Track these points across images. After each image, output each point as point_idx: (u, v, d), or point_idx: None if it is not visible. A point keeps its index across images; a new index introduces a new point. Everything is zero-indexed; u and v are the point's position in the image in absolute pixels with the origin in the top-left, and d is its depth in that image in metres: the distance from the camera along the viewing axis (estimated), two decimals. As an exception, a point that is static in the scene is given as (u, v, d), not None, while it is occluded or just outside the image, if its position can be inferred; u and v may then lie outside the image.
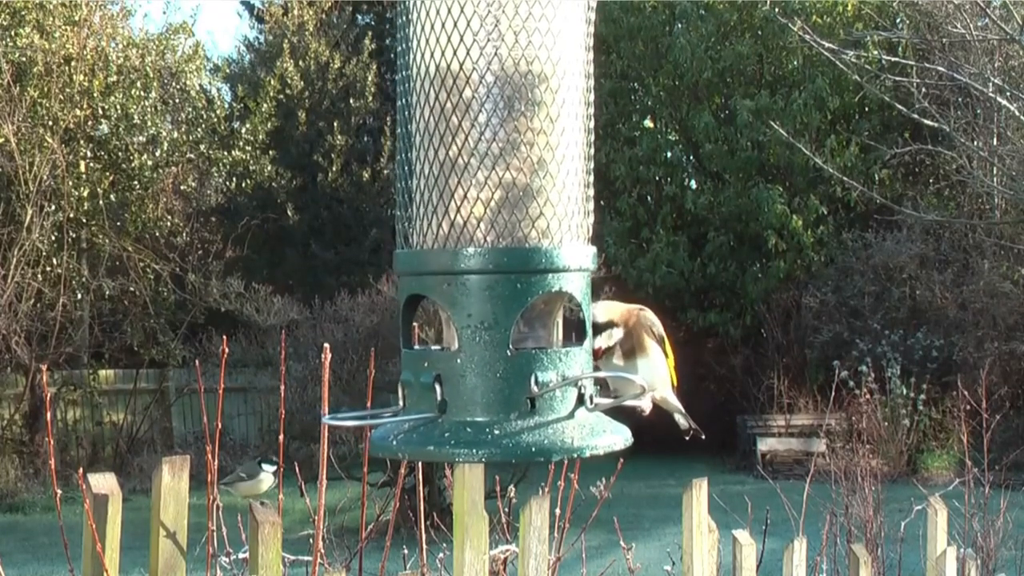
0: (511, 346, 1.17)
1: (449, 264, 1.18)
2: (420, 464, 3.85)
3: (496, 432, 1.16)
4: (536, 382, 1.17)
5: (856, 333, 13.73)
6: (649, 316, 1.64)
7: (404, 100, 1.25)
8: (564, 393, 1.20)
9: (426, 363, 1.20)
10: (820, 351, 14.05)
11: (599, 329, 1.55)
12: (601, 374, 1.33)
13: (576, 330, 1.26)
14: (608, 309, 1.60)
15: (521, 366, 1.17)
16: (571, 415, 1.20)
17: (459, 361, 1.18)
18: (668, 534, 7.05)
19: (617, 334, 1.60)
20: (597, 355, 1.54)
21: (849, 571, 2.86)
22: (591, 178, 1.26)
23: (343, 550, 4.95)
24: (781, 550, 2.70)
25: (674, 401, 1.75)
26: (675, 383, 1.75)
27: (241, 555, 2.15)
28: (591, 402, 1.22)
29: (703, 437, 1.79)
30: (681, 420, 1.80)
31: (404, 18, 1.24)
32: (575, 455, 1.18)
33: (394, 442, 1.19)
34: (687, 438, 1.77)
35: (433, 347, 1.26)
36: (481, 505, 2.01)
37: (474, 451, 1.15)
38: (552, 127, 1.20)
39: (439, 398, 1.18)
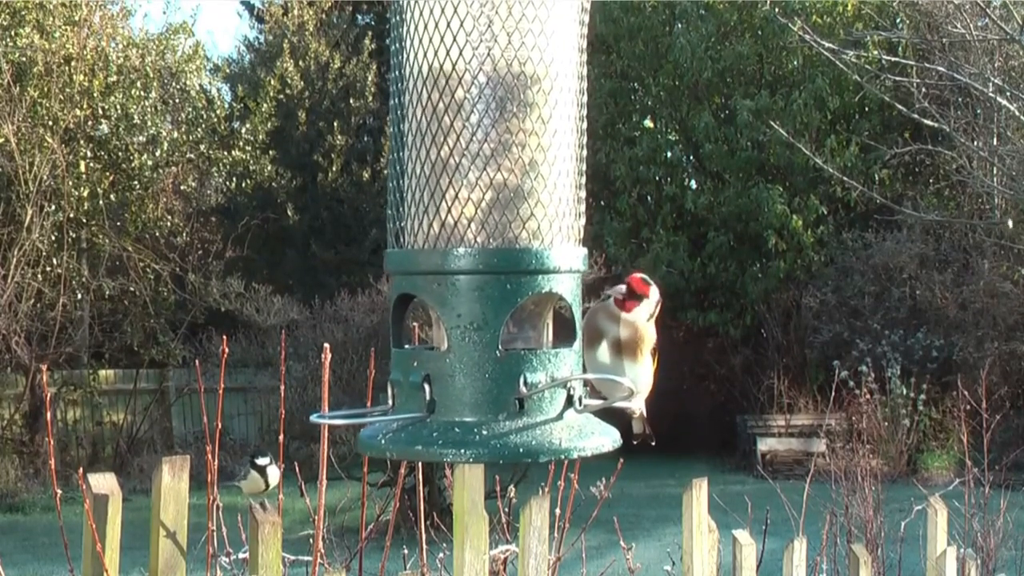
0: (500, 347, 1.17)
1: (439, 264, 1.18)
2: (420, 464, 3.85)
3: (484, 432, 1.16)
4: (525, 383, 1.17)
5: (856, 333, 13.73)
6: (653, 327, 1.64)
7: (397, 100, 1.25)
8: (553, 394, 1.20)
9: (415, 363, 1.20)
10: (820, 351, 14.05)
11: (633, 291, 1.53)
12: (590, 376, 1.33)
13: (566, 331, 1.26)
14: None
15: (510, 367, 1.17)
16: (560, 416, 1.20)
17: (448, 361, 1.18)
18: (668, 534, 7.05)
19: (651, 300, 1.56)
20: (626, 307, 1.52)
21: (849, 571, 2.86)
22: (583, 180, 1.26)
23: (343, 550, 4.95)
24: (781, 550, 2.70)
25: (643, 408, 1.75)
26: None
27: (241, 555, 2.15)
28: (580, 403, 1.22)
29: (653, 443, 1.78)
30: (636, 424, 1.79)
31: (397, 18, 1.24)
32: (563, 456, 1.18)
33: (382, 441, 1.19)
34: (635, 442, 1.76)
35: (422, 346, 1.26)
36: (481, 505, 2.01)
37: (462, 451, 1.15)
38: (544, 128, 1.20)
39: (428, 398, 1.18)
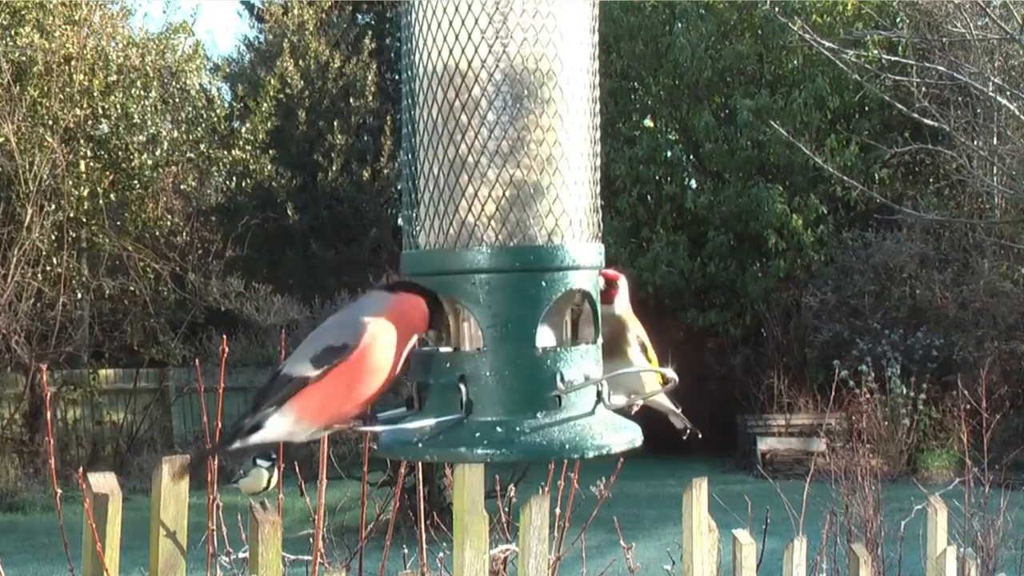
0: (537, 345, 1.17)
1: (472, 263, 1.17)
2: (420, 464, 3.86)
3: (527, 430, 1.15)
4: (562, 379, 1.17)
5: (856, 333, 13.72)
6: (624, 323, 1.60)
7: (409, 100, 1.24)
8: (584, 390, 1.19)
9: (448, 364, 1.19)
10: (820, 351, 14.04)
11: None
12: (618, 372, 1.33)
13: (588, 327, 1.25)
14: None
15: (547, 364, 1.17)
16: (592, 412, 1.19)
17: (485, 361, 1.17)
18: (668, 534, 7.04)
19: None
20: (610, 296, 1.52)
21: (849, 571, 2.86)
22: (598, 175, 1.26)
23: (343, 550, 4.95)
24: (781, 550, 2.70)
25: (665, 402, 1.73)
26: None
27: (241, 555, 2.15)
28: (608, 399, 1.22)
29: (700, 436, 1.77)
30: (677, 421, 1.78)
31: (408, 18, 1.24)
32: (605, 451, 1.17)
33: (420, 445, 1.17)
34: (684, 437, 1.75)
35: (442, 348, 1.24)
36: (481, 505, 2.01)
37: (506, 451, 1.14)
38: (561, 124, 1.20)
39: (464, 399, 1.16)
